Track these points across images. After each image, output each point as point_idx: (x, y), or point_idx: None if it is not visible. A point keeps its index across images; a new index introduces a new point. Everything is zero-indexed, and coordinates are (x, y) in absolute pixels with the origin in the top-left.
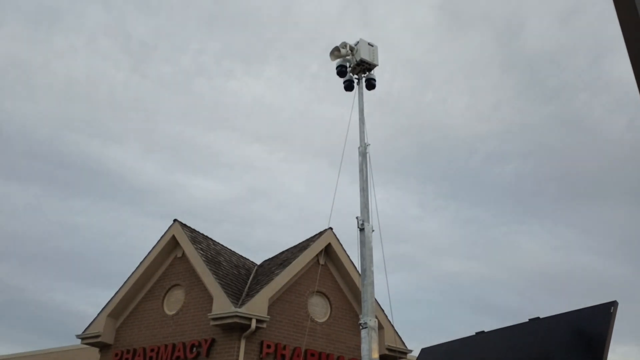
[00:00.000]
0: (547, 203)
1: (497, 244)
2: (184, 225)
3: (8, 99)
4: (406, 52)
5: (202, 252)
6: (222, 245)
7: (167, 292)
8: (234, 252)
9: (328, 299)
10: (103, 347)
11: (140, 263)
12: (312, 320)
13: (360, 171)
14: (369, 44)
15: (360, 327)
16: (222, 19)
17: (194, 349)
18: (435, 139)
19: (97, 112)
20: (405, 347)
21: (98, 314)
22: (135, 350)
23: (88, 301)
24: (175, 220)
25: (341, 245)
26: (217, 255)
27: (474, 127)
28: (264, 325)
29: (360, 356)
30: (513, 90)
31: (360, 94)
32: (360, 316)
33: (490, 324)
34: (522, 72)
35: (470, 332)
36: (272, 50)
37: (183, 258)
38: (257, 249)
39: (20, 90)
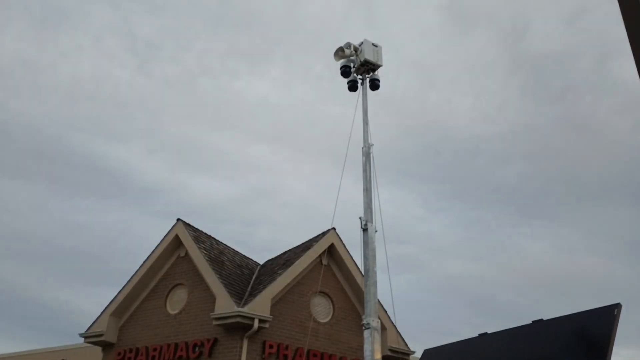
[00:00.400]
0: (551, 205)
1: (501, 245)
2: (187, 225)
3: (14, 98)
4: (411, 52)
5: (205, 252)
6: (225, 244)
7: (170, 291)
8: (237, 251)
9: (331, 299)
10: (106, 346)
11: (144, 262)
12: (315, 321)
13: (363, 171)
14: (373, 44)
15: (363, 328)
16: (227, 19)
17: (197, 349)
18: (440, 140)
19: (103, 111)
20: (408, 348)
21: (101, 313)
22: (137, 350)
23: (92, 300)
24: (178, 219)
25: (344, 246)
26: (220, 255)
27: (479, 128)
28: (267, 325)
29: (362, 357)
30: (518, 92)
31: (364, 95)
32: (363, 317)
33: (493, 326)
34: (527, 73)
35: (473, 334)
36: (277, 50)
37: (186, 257)
38: (260, 249)
39: (26, 90)
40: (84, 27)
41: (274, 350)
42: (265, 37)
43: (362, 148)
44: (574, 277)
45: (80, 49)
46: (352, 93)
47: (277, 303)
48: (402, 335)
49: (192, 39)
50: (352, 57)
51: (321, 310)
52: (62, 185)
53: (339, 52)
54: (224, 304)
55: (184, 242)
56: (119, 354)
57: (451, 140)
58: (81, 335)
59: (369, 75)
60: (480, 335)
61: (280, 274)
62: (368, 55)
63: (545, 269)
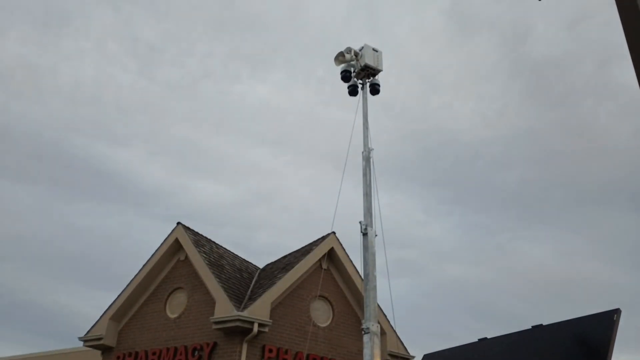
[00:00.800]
0: (552, 209)
1: (501, 249)
2: (187, 228)
3: (16, 101)
4: (413, 56)
5: (205, 255)
6: (225, 248)
7: (169, 295)
8: (236, 255)
9: (330, 303)
10: (105, 349)
11: (143, 266)
12: (315, 325)
13: (363, 176)
14: (373, 49)
15: (363, 332)
16: (229, 23)
17: (196, 353)
18: (441, 144)
19: (104, 114)
20: (408, 352)
21: (100, 317)
22: (137, 353)
23: (91, 303)
24: (178, 223)
25: (344, 250)
26: (220, 259)
27: (480, 132)
28: (266, 330)
29: None
30: (519, 96)
31: (364, 99)
32: (363, 321)
33: (493, 331)
34: (528, 77)
35: (473, 339)
36: (279, 54)
37: (186, 261)
38: (260, 253)
39: (28, 93)
40: (86, 31)
41: (273, 354)
42: (267, 41)
43: (362, 152)
44: (575, 281)
45: (82, 52)
46: (353, 97)
47: (277, 307)
48: (402, 339)
49: (194, 42)
50: (352, 62)
51: (321, 314)
52: (63, 189)
53: (340, 57)
54: (224, 308)
55: (184, 246)
56: (119, 357)
57: (452, 144)
58: (80, 338)
59: (369, 80)
60: (480, 340)
61: (280, 278)
62: (368, 60)
63: (546, 273)
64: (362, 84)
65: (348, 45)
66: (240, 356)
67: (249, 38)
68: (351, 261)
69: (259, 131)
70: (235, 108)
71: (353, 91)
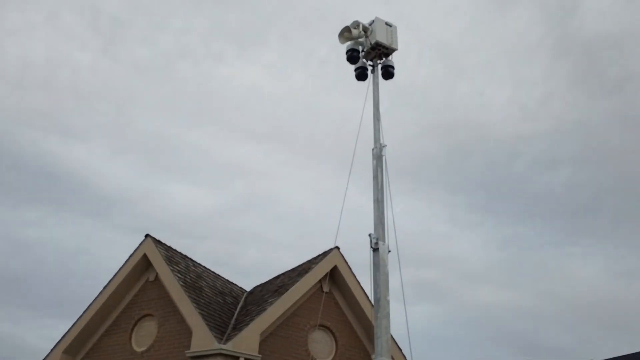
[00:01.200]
0: (606, 219)
1: (544, 269)
2: (157, 242)
3: None
4: (435, 33)
5: (179, 275)
6: (204, 267)
7: (136, 323)
8: (218, 275)
9: (333, 334)
10: None
11: (104, 288)
12: None
13: (374, 178)
14: (386, 23)
15: None
16: None
17: None
18: (470, 140)
19: (58, 103)
20: None
21: (51, 350)
22: None
23: (40, 333)
24: (147, 235)
25: (350, 269)
26: (198, 279)
27: (518, 126)
28: None
29: None
30: (566, 81)
31: (376, 84)
32: (373, 356)
33: None
34: (577, 59)
35: None
36: (272, 29)
37: (156, 282)
38: (248, 272)
39: None
40: (36, 1)
41: None
42: (258, 13)
43: (373, 150)
44: (634, 308)
45: (31, 26)
46: (361, 82)
47: (268, 338)
48: None
49: (168, 15)
50: (360, 39)
51: (321, 347)
52: (6, 193)
53: (345, 33)
54: (202, 340)
55: (154, 264)
56: None
57: (484, 140)
58: None
59: (381, 61)
60: None
61: (271, 303)
62: (380, 36)
63: (599, 298)
64: (373, 66)
65: (355, 19)
66: None
67: (235, 10)
68: (359, 283)
69: (248, 123)
70: (219, 95)
71: (361, 74)
